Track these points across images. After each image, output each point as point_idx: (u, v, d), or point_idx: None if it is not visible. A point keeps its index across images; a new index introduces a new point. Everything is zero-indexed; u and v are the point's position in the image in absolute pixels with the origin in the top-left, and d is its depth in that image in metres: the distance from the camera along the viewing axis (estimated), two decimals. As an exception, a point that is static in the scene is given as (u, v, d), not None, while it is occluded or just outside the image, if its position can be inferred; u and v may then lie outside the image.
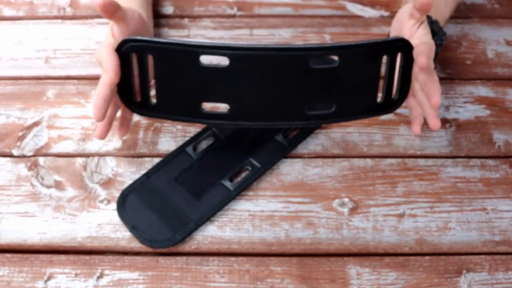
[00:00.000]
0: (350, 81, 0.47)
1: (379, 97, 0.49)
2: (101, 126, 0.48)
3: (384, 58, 0.47)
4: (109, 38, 0.48)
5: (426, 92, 0.46)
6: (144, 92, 0.49)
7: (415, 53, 0.46)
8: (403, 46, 0.46)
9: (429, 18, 0.54)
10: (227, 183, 0.50)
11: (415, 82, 0.48)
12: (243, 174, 0.51)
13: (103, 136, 0.49)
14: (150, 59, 0.47)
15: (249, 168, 0.51)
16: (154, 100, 0.49)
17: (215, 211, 0.49)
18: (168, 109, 0.49)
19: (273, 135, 0.53)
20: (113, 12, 0.45)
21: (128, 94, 0.49)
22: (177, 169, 0.51)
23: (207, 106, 0.51)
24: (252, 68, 0.45)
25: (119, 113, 0.52)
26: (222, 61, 0.46)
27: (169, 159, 0.52)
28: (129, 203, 0.49)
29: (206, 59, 0.46)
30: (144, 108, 0.49)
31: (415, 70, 0.48)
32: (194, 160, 0.52)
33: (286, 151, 0.53)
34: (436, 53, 0.55)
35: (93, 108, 0.46)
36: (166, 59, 0.46)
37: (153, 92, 0.50)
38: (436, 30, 0.53)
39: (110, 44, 0.47)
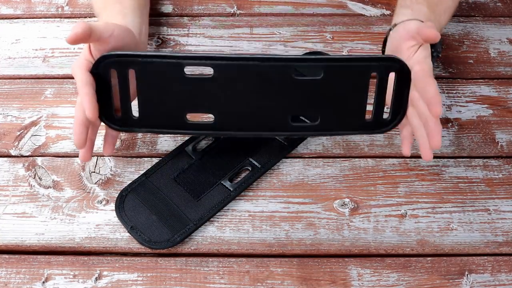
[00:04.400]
0: (335, 95, 0.45)
1: (371, 114, 0.47)
2: (83, 150, 0.46)
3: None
4: (86, 54, 0.45)
5: (426, 102, 0.43)
6: (124, 107, 0.46)
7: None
8: (396, 67, 0.44)
9: None
10: (227, 183, 0.50)
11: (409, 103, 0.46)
12: (243, 175, 0.51)
13: (87, 159, 0.47)
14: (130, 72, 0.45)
15: (249, 168, 0.51)
16: (136, 114, 0.47)
17: (214, 212, 0.48)
18: (152, 122, 0.47)
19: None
20: (86, 38, 0.43)
21: (108, 111, 0.46)
22: (176, 169, 0.51)
23: (192, 117, 0.48)
24: (236, 77, 0.44)
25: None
26: (206, 70, 0.45)
27: (168, 159, 0.51)
28: (128, 204, 0.48)
29: (189, 68, 0.45)
30: (126, 124, 0.47)
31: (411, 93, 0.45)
32: (193, 160, 0.51)
33: (286, 151, 0.52)
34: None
35: (73, 134, 0.44)
36: (148, 72, 0.44)
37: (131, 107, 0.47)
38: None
39: (85, 61, 0.45)
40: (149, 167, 0.51)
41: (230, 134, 0.48)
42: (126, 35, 0.47)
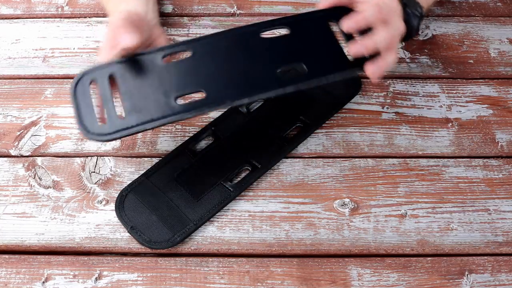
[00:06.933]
0: (309, 46, 0.49)
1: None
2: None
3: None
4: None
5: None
6: (110, 114, 0.45)
7: None
8: (342, 12, 0.48)
9: None
10: (227, 184, 0.50)
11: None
12: (243, 175, 0.51)
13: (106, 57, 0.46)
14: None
15: (249, 168, 0.51)
16: (120, 119, 0.45)
17: (214, 212, 0.48)
18: (142, 117, 0.44)
19: (273, 135, 0.53)
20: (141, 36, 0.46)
21: (93, 125, 0.44)
22: (176, 169, 0.51)
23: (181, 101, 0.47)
24: (213, 51, 0.47)
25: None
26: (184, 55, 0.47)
27: (168, 159, 0.51)
28: (128, 204, 0.48)
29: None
30: (114, 130, 0.44)
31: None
32: (193, 160, 0.51)
33: (286, 151, 0.52)
34: (414, 27, 0.52)
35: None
36: (128, 72, 0.46)
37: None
38: (405, 1, 0.51)
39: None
40: (149, 167, 0.51)
41: (226, 105, 0.46)
42: (135, 18, 0.49)
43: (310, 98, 0.56)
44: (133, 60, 0.46)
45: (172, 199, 0.49)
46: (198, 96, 0.46)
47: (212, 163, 0.51)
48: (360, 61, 0.48)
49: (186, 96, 0.46)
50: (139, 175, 0.51)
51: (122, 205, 0.48)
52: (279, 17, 0.52)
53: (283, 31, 0.49)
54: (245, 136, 0.53)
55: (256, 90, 0.46)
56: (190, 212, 0.48)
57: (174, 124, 0.55)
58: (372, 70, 0.46)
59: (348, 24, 0.46)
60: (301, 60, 0.47)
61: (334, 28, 0.49)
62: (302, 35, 0.48)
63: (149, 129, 0.45)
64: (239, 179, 0.51)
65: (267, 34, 0.48)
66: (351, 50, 0.46)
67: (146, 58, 0.46)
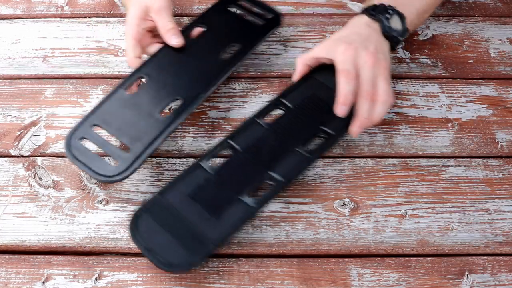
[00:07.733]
0: (228, 30, 0.58)
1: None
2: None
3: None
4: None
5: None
6: (115, 154, 0.49)
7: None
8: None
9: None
10: (246, 199, 0.46)
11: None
12: (264, 189, 0.48)
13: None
14: None
15: (270, 182, 0.47)
16: (127, 153, 0.49)
17: (235, 229, 0.45)
18: (145, 143, 0.49)
19: (294, 147, 0.49)
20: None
21: (106, 169, 0.48)
22: (192, 185, 0.47)
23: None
24: (163, 67, 0.55)
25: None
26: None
27: (183, 175, 0.48)
28: (142, 224, 0.45)
29: None
30: (129, 164, 0.48)
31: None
32: (210, 175, 0.48)
33: (309, 162, 0.49)
34: (399, 37, 0.53)
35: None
36: (107, 115, 0.51)
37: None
38: (372, 11, 0.53)
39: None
40: (148, 166, 0.51)
41: (200, 99, 0.52)
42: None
43: (331, 108, 0.50)
44: (104, 105, 0.51)
45: (189, 217, 0.45)
46: (176, 104, 0.52)
47: (230, 177, 0.48)
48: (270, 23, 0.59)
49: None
50: (139, 175, 0.50)
51: (136, 226, 0.45)
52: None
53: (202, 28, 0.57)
54: (264, 148, 0.50)
55: (215, 78, 0.54)
56: (208, 231, 0.45)
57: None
58: (353, 131, 0.50)
59: (340, 109, 0.49)
60: (232, 41, 0.56)
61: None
62: (218, 26, 0.58)
63: (157, 147, 0.49)
64: (259, 193, 0.48)
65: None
66: (338, 113, 0.49)
67: (113, 98, 0.52)
